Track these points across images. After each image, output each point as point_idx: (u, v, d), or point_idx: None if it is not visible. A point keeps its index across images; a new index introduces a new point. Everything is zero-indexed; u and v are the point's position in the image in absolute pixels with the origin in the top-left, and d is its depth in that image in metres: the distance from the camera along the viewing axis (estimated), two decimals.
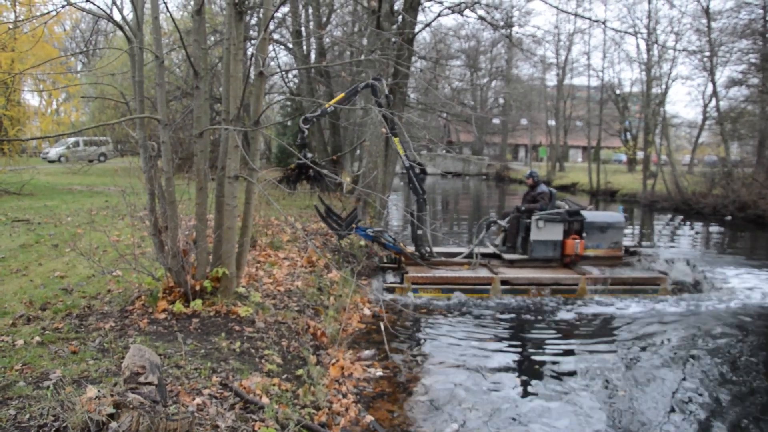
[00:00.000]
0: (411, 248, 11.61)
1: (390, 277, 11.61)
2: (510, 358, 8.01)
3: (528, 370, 7.59)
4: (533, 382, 7.12)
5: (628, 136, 48.53)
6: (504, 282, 10.86)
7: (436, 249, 12.23)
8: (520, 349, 8.41)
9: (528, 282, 10.91)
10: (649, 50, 34.84)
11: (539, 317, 9.81)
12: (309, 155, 9.99)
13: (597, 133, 43.38)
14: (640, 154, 42.42)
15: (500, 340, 8.75)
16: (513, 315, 9.89)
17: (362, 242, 12.41)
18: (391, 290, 10.76)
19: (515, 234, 12.06)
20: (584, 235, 11.57)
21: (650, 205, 30.27)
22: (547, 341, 8.73)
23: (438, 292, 10.74)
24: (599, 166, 37.74)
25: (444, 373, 7.22)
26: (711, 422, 6.23)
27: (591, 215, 11.82)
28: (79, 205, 15.28)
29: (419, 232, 11.39)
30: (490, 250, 12.45)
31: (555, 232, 11.50)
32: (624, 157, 53.07)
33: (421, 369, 7.35)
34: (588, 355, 8.20)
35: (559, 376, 7.29)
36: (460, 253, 12.11)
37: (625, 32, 33.76)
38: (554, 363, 7.82)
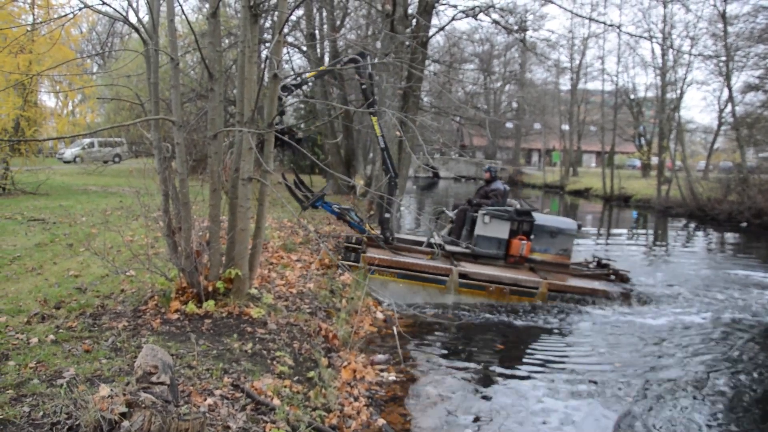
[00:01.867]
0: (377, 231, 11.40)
1: (351, 257, 11.07)
2: (526, 365, 7.99)
3: (544, 377, 7.53)
4: (549, 388, 7.08)
5: (643, 142, 48.26)
6: (462, 275, 10.54)
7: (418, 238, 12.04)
8: (536, 356, 8.37)
9: (487, 279, 10.55)
10: (664, 55, 34.65)
11: (555, 324, 9.76)
12: (282, 124, 9.88)
13: (611, 138, 43.22)
14: (654, 160, 42.13)
15: (517, 346, 8.72)
16: (530, 322, 9.84)
17: None
18: (347, 268, 10.52)
19: (460, 227, 11.79)
20: (532, 237, 11.28)
21: (664, 210, 30.09)
22: (561, 348, 8.69)
23: (394, 276, 10.49)
24: (613, 172, 37.60)
25: (459, 379, 7.19)
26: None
27: (542, 218, 11.53)
28: (94, 206, 15.39)
29: (386, 215, 11.17)
30: (437, 240, 11.94)
31: (501, 230, 11.17)
32: (638, 163, 52.74)
33: (435, 374, 7.32)
34: (596, 360, 8.18)
35: (575, 383, 7.26)
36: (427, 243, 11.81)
37: (640, 36, 33.74)
38: (570, 370, 7.78)
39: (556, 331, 9.45)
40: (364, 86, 10.43)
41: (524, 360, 8.19)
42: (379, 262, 10.45)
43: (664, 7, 32.33)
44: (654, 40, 33.71)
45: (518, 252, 11.13)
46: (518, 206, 11.51)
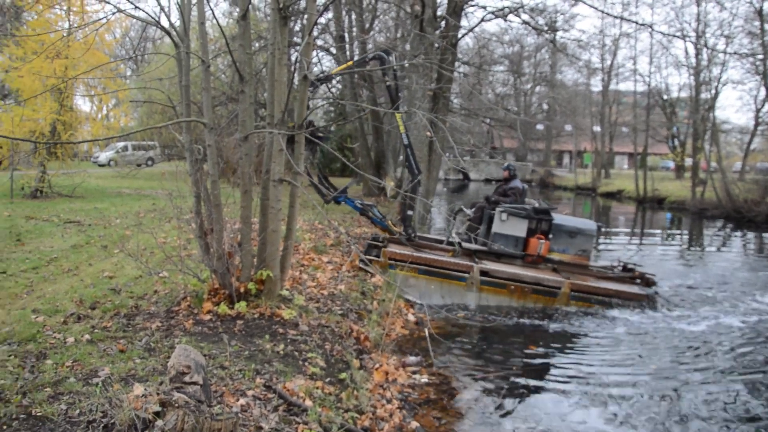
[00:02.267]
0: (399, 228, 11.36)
1: (372, 252, 11.10)
2: (557, 369, 7.87)
3: (577, 381, 7.42)
4: (581, 393, 6.98)
5: (676, 143, 47.43)
6: (484, 273, 10.45)
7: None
8: (568, 361, 8.25)
9: (508, 277, 10.46)
10: (698, 54, 34.08)
11: (585, 328, 9.64)
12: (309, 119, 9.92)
13: (644, 139, 42.55)
14: (688, 161, 41.40)
15: (548, 350, 8.60)
16: (560, 326, 9.73)
17: None
18: (367, 263, 10.37)
19: (478, 224, 11.62)
20: (551, 236, 11.11)
21: (699, 212, 29.51)
22: (593, 353, 8.54)
23: (414, 272, 10.43)
24: (646, 173, 37.01)
25: (491, 382, 7.13)
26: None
27: (561, 218, 11.40)
28: (128, 208, 15.61)
29: (408, 212, 11.11)
30: (455, 238, 11.81)
31: (518, 228, 11.00)
32: (672, 164, 51.89)
33: (467, 376, 7.26)
34: (629, 367, 8.04)
35: (608, 389, 7.15)
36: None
37: (673, 35, 33.19)
38: (602, 376, 7.65)
39: (586, 335, 9.32)
40: (388, 83, 10.43)
41: (555, 364, 8.08)
42: (400, 257, 10.44)
43: (698, 5, 31.82)
44: (687, 39, 33.22)
45: (536, 251, 10.97)
46: (536, 205, 11.37)
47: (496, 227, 11.06)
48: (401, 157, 27.80)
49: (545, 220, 11.08)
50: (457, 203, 13.17)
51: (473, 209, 12.00)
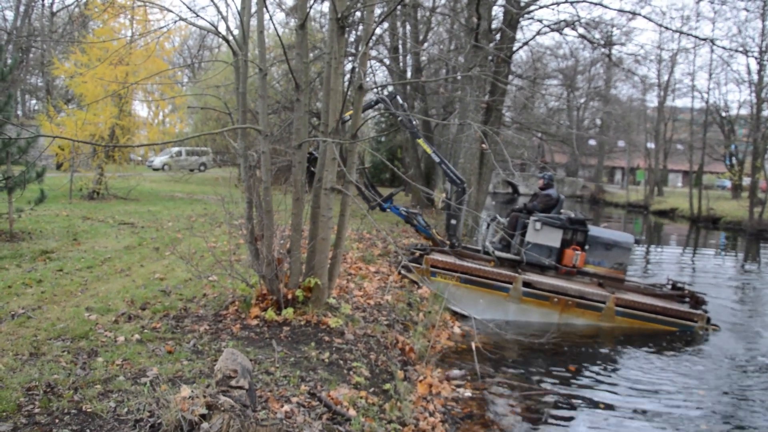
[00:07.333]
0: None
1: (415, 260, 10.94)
2: (603, 388, 7.68)
3: (623, 402, 7.24)
4: (628, 415, 6.81)
5: (734, 161, 46.02)
6: (526, 284, 10.27)
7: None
8: (613, 380, 8.05)
9: (551, 289, 10.24)
10: (760, 70, 33.03)
11: (631, 347, 9.40)
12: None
13: (699, 157, 41.42)
14: (746, 180, 40.10)
15: (595, 369, 8.40)
16: (606, 343, 9.52)
17: None
18: (409, 270, 10.28)
19: (512, 233, 11.30)
20: (586, 248, 10.82)
21: (757, 234, 28.51)
22: (639, 373, 8.30)
23: (456, 280, 10.31)
24: (701, 192, 35.99)
25: (536, 399, 7.00)
26: None
27: (596, 230, 11.15)
28: (180, 212, 15.91)
29: (453, 222, 11.02)
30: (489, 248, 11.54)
31: (552, 238, 10.72)
32: (728, 183, 50.36)
33: (512, 393, 7.15)
34: (676, 388, 7.78)
35: (653, 411, 6.96)
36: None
37: (735, 51, 32.08)
38: (648, 397, 7.45)
39: (631, 354, 9.11)
40: (400, 119, 10.73)
41: (601, 383, 7.88)
42: (442, 265, 10.41)
43: (763, 19, 30.85)
44: (750, 54, 32.23)
45: (571, 262, 10.72)
46: (572, 215, 11.13)
47: (530, 236, 10.85)
48: None
49: (580, 231, 10.86)
50: (492, 213, 13.05)
51: (508, 218, 11.84)
